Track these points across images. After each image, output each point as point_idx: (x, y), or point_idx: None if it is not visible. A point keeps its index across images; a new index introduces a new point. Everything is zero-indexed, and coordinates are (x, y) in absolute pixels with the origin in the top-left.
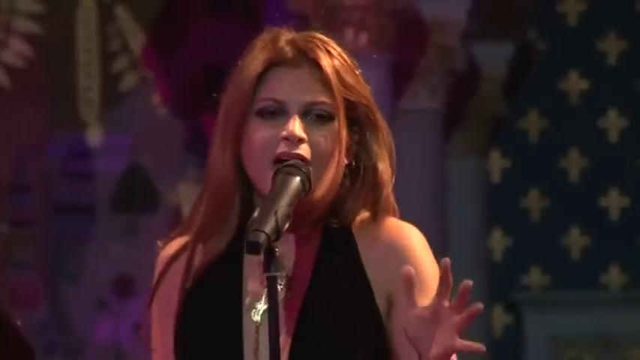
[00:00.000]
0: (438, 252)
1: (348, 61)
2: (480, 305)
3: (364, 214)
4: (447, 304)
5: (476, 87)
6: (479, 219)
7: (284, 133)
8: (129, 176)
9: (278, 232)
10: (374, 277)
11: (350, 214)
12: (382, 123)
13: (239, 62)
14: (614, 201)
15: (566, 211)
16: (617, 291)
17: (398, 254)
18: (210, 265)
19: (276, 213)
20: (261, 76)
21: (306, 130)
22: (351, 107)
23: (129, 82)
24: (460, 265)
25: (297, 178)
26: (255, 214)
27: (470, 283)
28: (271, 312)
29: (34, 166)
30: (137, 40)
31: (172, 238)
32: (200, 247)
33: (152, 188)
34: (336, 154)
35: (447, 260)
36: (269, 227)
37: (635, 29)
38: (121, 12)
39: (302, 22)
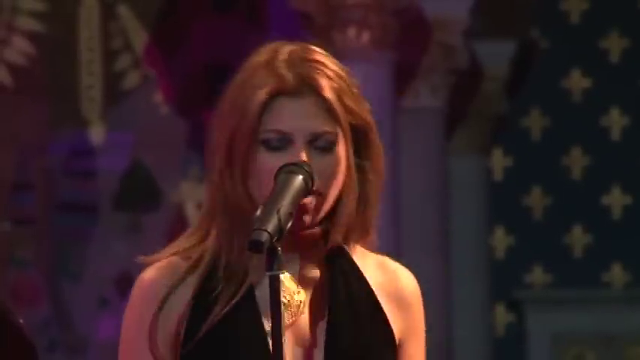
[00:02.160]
0: (440, 251)
1: (347, 81)
2: None
3: (358, 246)
4: None
5: (478, 85)
6: (481, 217)
7: None
8: (131, 174)
9: (281, 231)
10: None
11: (341, 228)
12: (378, 143)
13: (237, 76)
14: (616, 199)
15: (569, 210)
16: (619, 289)
17: (408, 302)
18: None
19: (278, 211)
20: (265, 105)
21: (310, 159)
22: (353, 129)
23: (131, 80)
24: (462, 263)
25: (300, 177)
26: (258, 212)
27: None
28: (274, 312)
29: (36, 165)
30: (139, 38)
31: (157, 260)
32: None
33: (154, 186)
34: (340, 177)
35: None
36: (271, 226)
37: (638, 27)
38: (124, 10)
39: (305, 21)
